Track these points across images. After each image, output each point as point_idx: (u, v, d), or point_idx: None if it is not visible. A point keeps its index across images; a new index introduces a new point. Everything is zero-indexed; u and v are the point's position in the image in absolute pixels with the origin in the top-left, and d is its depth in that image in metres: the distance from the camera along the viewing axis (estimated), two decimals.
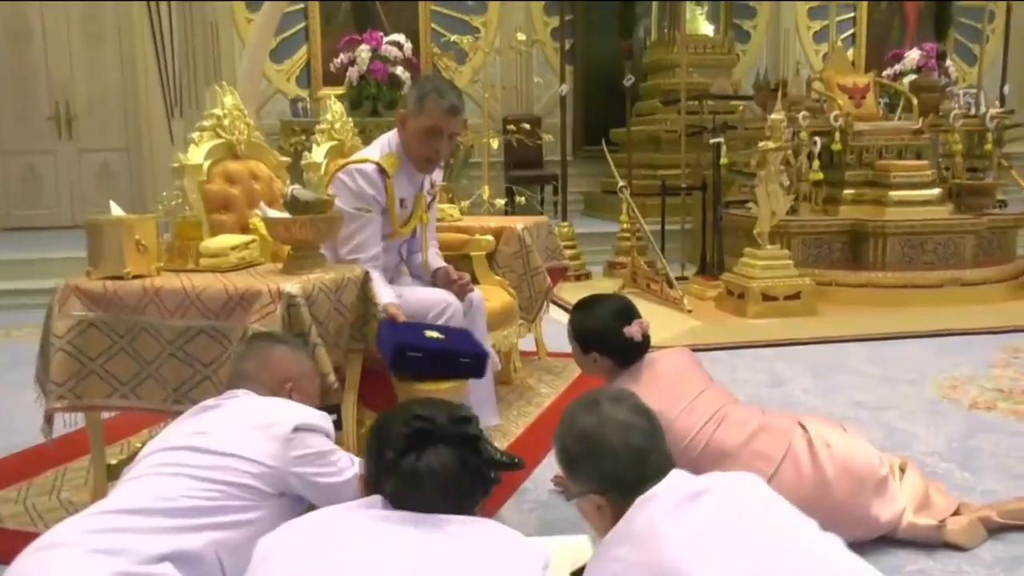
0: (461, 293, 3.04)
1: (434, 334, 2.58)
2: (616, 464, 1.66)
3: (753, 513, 1.62)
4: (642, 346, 2.58)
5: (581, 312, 2.67)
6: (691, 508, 1.60)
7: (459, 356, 2.54)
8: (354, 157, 3.01)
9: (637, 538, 1.56)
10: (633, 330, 2.55)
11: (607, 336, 2.57)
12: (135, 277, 2.47)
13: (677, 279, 6.10)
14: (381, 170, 2.86)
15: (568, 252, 5.89)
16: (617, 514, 1.63)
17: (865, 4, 10.67)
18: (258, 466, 1.83)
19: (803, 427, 2.45)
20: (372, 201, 2.86)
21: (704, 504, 1.61)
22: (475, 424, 1.67)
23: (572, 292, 6.24)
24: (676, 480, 1.66)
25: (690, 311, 5.57)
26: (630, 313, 2.60)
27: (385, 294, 2.75)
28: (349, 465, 1.98)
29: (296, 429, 1.91)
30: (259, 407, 1.99)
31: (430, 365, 2.46)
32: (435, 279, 3.10)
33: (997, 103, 7.80)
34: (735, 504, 1.63)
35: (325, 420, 2.01)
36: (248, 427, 1.90)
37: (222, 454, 1.82)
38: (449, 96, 2.85)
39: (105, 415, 2.73)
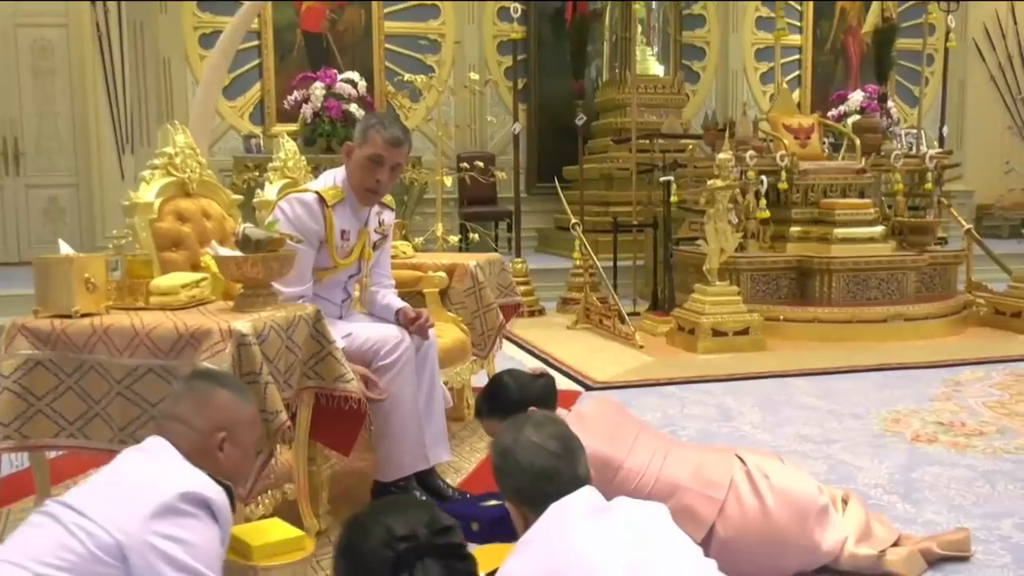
0: (421, 333, 3.05)
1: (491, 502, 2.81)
2: (523, 480, 1.84)
3: (655, 534, 1.76)
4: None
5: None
6: (599, 517, 1.75)
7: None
8: (298, 188, 3.05)
9: (548, 538, 1.72)
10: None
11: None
12: (84, 315, 2.45)
13: (629, 315, 6.17)
14: (321, 199, 2.88)
15: (521, 288, 5.92)
16: (528, 522, 1.80)
17: (810, 46, 10.97)
18: (103, 533, 1.60)
19: (741, 459, 2.50)
20: (309, 231, 2.87)
21: (611, 517, 1.76)
22: (456, 531, 1.61)
23: (525, 328, 6.31)
24: (588, 494, 1.82)
25: (642, 346, 5.64)
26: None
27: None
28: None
29: (184, 499, 1.67)
30: (144, 464, 1.79)
31: None
32: (397, 318, 3.11)
33: (937, 143, 8.05)
34: (641, 523, 1.76)
35: (221, 498, 1.77)
36: (114, 484, 1.71)
37: (79, 512, 1.64)
38: (392, 128, 2.91)
39: (51, 454, 2.69)
